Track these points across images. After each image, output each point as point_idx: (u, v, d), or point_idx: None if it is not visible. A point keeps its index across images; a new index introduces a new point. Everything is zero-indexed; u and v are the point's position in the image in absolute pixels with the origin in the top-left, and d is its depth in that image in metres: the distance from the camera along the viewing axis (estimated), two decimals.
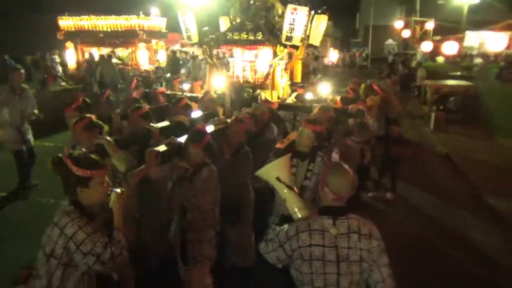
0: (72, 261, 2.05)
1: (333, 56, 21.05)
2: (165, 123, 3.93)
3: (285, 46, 5.63)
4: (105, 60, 13.53)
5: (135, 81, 5.84)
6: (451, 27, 20.17)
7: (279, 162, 2.40)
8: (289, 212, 2.25)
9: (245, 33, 5.86)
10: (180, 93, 6.08)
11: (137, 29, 16.48)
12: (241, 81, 6.11)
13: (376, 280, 2.08)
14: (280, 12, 6.27)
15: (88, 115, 3.16)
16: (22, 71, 5.85)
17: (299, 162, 3.22)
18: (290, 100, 6.18)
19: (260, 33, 5.82)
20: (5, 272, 3.78)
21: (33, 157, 6.00)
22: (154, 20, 18.10)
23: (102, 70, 12.89)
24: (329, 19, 6.74)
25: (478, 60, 16.44)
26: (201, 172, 2.93)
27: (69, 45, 16.72)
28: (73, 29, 16.64)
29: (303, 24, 5.46)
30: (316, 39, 6.33)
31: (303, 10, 5.37)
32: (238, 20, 6.21)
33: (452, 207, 5.74)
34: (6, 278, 3.61)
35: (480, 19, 19.95)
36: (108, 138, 2.93)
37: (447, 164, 7.79)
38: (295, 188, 2.33)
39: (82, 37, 16.77)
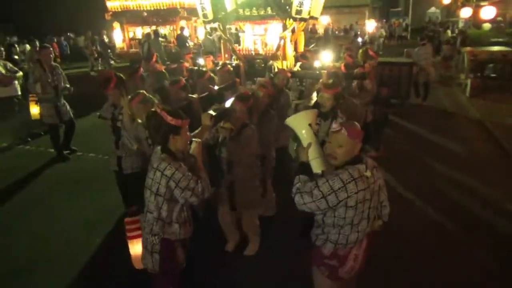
0: (173, 196, 2.52)
1: (370, 26, 20.77)
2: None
3: (295, 19, 6.08)
4: (152, 37, 14.26)
5: (155, 56, 6.35)
6: None
7: (311, 112, 2.64)
8: (309, 157, 2.45)
9: (255, 9, 6.35)
10: (196, 67, 6.65)
11: (178, 7, 17.23)
12: (253, 54, 6.64)
13: (381, 200, 2.46)
14: None
15: (141, 91, 3.63)
16: (51, 49, 6.33)
17: (322, 121, 3.80)
18: (296, 69, 6.66)
19: (269, 8, 6.28)
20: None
21: (73, 128, 6.61)
22: None
23: (150, 47, 13.65)
24: None
25: None
26: (244, 131, 3.38)
27: (116, 25, 17.76)
28: (119, 10, 17.63)
29: None
30: (316, 12, 6.64)
31: None
32: None
33: (479, 166, 6.01)
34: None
35: None
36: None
37: (479, 129, 7.96)
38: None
39: (128, 17, 17.73)
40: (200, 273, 3.32)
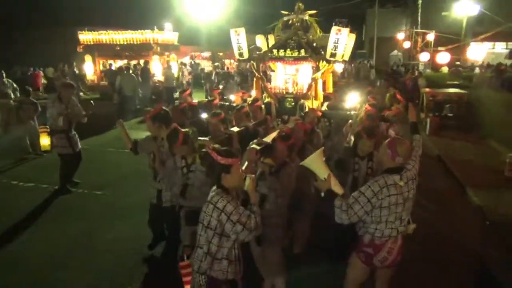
0: (224, 230, 2.49)
1: (339, 67, 21.74)
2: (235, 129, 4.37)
3: (329, 62, 6.43)
4: (124, 72, 14.07)
5: (189, 90, 6.32)
6: (452, 38, 20.78)
7: (320, 151, 3.00)
8: (331, 185, 2.87)
9: (289, 50, 6.63)
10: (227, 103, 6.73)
11: (152, 42, 17.40)
12: (284, 93, 6.87)
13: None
14: (318, 32, 7.14)
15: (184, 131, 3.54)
16: (75, 86, 6.25)
17: (359, 161, 3.98)
18: (323, 108, 6.85)
19: (303, 50, 6.58)
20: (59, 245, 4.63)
21: (79, 159, 6.39)
22: (167, 34, 19.07)
23: (122, 81, 13.39)
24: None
25: (477, 70, 17.09)
26: (284, 169, 3.44)
27: (88, 57, 17.73)
28: (91, 43, 17.60)
29: (344, 43, 6.29)
30: (347, 54, 7.13)
31: (345, 31, 6.24)
32: (279, 38, 7.01)
33: (436, 199, 6.29)
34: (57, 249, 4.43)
35: (484, 31, 20.42)
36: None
37: (437, 164, 8.39)
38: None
39: (100, 50, 17.72)
40: None
